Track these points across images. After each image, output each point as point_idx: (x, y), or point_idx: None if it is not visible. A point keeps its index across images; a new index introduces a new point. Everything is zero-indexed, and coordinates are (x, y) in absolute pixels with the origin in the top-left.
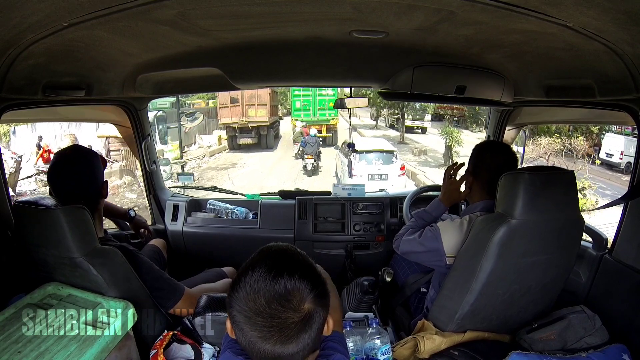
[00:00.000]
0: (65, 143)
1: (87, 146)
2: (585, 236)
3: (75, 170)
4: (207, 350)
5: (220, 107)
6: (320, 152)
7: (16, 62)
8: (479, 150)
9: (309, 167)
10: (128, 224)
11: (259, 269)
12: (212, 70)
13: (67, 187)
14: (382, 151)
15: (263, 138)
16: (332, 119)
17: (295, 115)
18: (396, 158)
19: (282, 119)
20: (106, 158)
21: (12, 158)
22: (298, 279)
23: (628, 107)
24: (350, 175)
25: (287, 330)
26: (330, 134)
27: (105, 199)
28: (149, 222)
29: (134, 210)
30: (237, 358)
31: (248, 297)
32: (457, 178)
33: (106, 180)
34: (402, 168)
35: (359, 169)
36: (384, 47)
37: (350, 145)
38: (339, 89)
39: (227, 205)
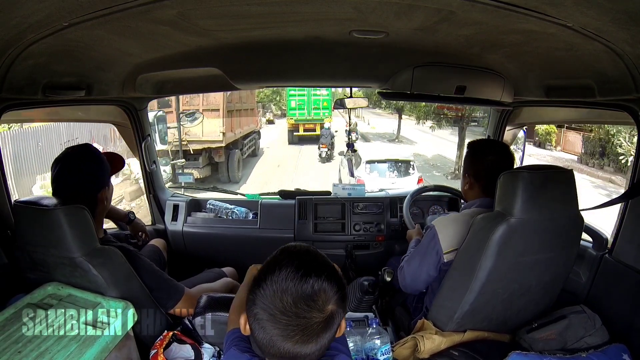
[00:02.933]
0: None
1: None
2: (585, 236)
3: (79, 168)
4: (207, 350)
5: None
6: (333, 143)
7: (16, 62)
8: (472, 148)
9: (324, 154)
10: (127, 226)
11: (286, 268)
12: (212, 70)
13: (68, 182)
14: (396, 161)
15: (221, 167)
16: (326, 117)
17: (291, 114)
18: (413, 169)
19: (272, 122)
20: None
21: None
22: (325, 280)
23: (628, 107)
24: (352, 175)
25: (310, 330)
26: None
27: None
28: (149, 222)
29: (134, 213)
30: (242, 356)
31: (275, 295)
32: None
33: (110, 185)
34: (420, 181)
35: (369, 183)
36: (384, 47)
37: (350, 146)
38: (332, 89)
39: (227, 205)
